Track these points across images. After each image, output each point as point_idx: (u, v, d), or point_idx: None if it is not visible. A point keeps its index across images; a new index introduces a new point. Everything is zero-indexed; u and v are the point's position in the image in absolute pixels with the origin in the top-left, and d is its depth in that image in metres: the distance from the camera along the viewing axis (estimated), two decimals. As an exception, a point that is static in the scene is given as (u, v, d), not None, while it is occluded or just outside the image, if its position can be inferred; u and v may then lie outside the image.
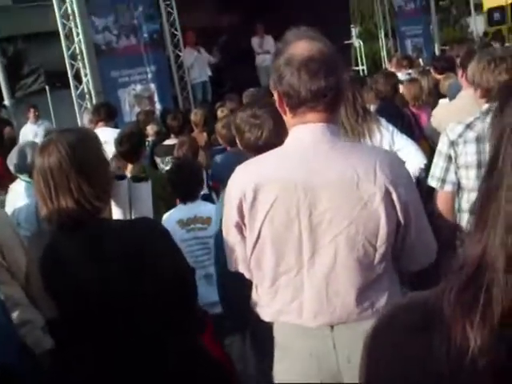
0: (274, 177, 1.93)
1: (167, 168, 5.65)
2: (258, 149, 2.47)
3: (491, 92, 3.32)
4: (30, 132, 11.01)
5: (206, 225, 3.97)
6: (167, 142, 6.47)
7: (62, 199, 2.00)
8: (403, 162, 2.14)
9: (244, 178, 2.01)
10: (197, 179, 4.22)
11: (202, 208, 4.06)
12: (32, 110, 11.58)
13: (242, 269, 2.10)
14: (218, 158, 5.31)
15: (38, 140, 12.09)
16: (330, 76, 1.88)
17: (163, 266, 2.02)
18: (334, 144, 1.93)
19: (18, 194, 4.26)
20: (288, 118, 1.98)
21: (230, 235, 2.06)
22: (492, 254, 0.76)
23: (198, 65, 11.98)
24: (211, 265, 3.59)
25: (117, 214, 2.21)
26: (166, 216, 4.07)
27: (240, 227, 2.01)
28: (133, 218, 2.25)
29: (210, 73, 12.43)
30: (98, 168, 2.07)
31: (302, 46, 1.91)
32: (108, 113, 7.23)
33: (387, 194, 1.86)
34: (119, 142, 4.99)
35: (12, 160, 4.30)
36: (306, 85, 1.87)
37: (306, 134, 1.94)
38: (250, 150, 2.67)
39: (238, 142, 2.82)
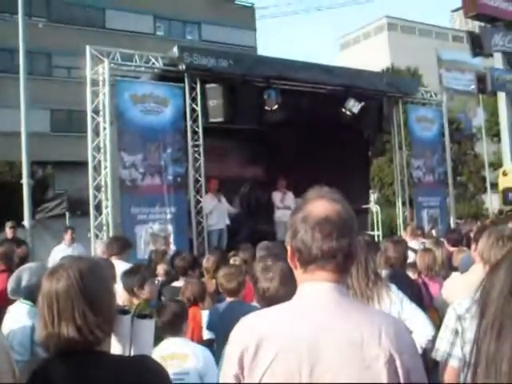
0: (278, 332, 1.92)
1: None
2: (265, 300, 2.50)
3: None
4: (62, 252, 10.44)
5: (181, 361, 4.21)
6: (175, 284, 6.50)
7: (64, 325, 1.99)
8: (408, 330, 2.12)
9: (248, 330, 2.00)
10: (179, 319, 4.43)
11: (181, 345, 4.30)
12: (69, 232, 11.54)
13: None
14: (216, 307, 5.35)
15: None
16: (342, 238, 1.92)
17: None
18: (340, 304, 1.93)
19: (15, 317, 4.26)
20: (298, 272, 2.01)
21: None
22: None
23: (216, 212, 12.20)
24: None
25: (116, 348, 2.17)
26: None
27: (239, 379, 1.96)
28: (132, 354, 2.21)
29: (228, 222, 12.62)
30: (105, 299, 2.07)
31: (320, 205, 1.97)
32: (121, 247, 7.28)
33: (391, 359, 1.83)
34: (124, 275, 5.08)
35: (10, 283, 4.37)
36: (317, 244, 1.92)
37: (313, 292, 1.95)
38: (260, 300, 2.72)
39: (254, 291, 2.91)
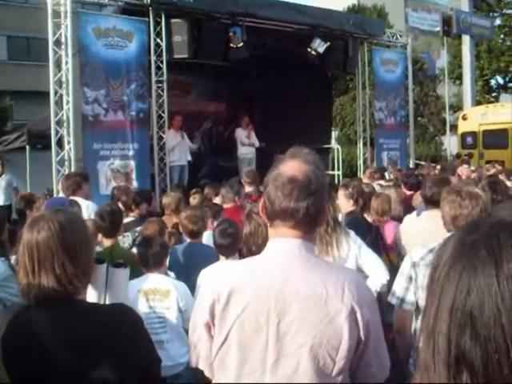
0: (249, 283, 2.05)
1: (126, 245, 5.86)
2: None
3: (454, 222, 3.59)
4: None
5: (163, 297, 4.37)
6: (126, 220, 6.30)
7: (44, 275, 2.06)
8: (367, 285, 2.28)
9: (220, 280, 2.12)
10: (164, 252, 4.61)
11: (162, 280, 4.46)
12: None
13: (202, 366, 2.17)
14: (176, 248, 5.44)
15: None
16: (302, 200, 2.03)
17: (131, 356, 2.06)
18: (307, 260, 2.06)
19: None
20: (268, 225, 2.14)
21: (197, 333, 2.14)
22: None
23: (179, 148, 12.23)
24: (163, 332, 4.30)
25: (91, 296, 2.26)
26: (130, 283, 4.28)
27: (209, 327, 2.09)
28: (107, 302, 2.31)
29: (190, 158, 12.67)
30: (84, 251, 2.14)
31: (290, 165, 2.08)
32: (77, 183, 7.20)
33: (352, 312, 1.98)
34: (101, 216, 5.09)
35: None
36: (278, 202, 2.05)
37: (281, 247, 2.08)
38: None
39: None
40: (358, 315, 1.98)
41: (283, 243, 2.07)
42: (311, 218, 2.08)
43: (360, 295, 2.01)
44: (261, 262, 2.13)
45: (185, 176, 12.45)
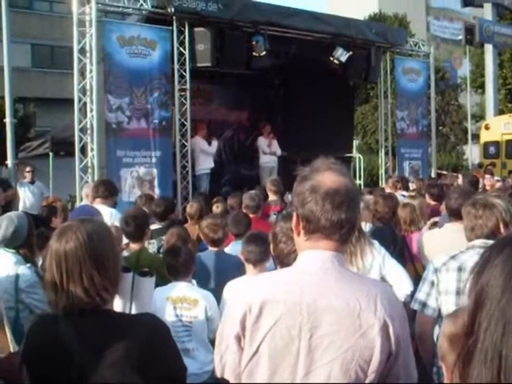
0: (282, 296, 2.02)
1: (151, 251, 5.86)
2: (289, 261, 2.53)
3: (472, 232, 3.70)
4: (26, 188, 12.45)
5: (191, 305, 4.34)
6: (152, 227, 6.34)
7: (72, 286, 2.07)
8: (398, 297, 2.27)
9: (252, 292, 2.10)
10: (192, 262, 4.57)
11: (190, 289, 4.42)
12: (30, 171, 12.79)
13: (229, 376, 2.15)
14: (199, 255, 5.39)
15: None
16: (350, 211, 2.01)
17: (159, 365, 2.06)
18: (340, 274, 2.05)
19: (0, 264, 4.18)
20: (300, 239, 2.10)
21: (224, 343, 2.11)
22: None
23: (205, 156, 12.34)
24: (189, 341, 4.26)
25: (117, 304, 2.27)
26: (158, 290, 4.33)
27: (239, 338, 2.07)
28: (133, 310, 2.31)
29: (212, 165, 12.73)
30: (111, 261, 2.15)
31: (329, 176, 2.04)
32: (107, 191, 7.23)
33: (385, 326, 1.96)
34: (125, 221, 5.13)
35: None
36: (327, 214, 2.00)
37: (316, 260, 2.05)
38: (280, 260, 2.86)
39: (271, 249, 3.03)
40: (390, 329, 1.97)
41: (316, 255, 2.05)
42: (353, 230, 2.08)
43: (392, 309, 2.00)
44: (293, 275, 2.10)
45: (207, 183, 12.50)
